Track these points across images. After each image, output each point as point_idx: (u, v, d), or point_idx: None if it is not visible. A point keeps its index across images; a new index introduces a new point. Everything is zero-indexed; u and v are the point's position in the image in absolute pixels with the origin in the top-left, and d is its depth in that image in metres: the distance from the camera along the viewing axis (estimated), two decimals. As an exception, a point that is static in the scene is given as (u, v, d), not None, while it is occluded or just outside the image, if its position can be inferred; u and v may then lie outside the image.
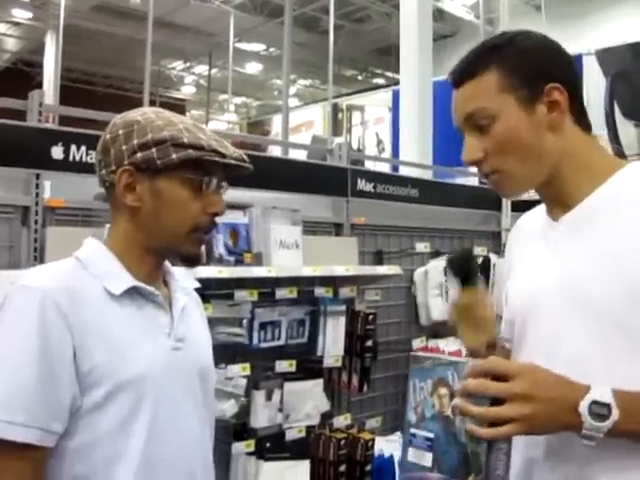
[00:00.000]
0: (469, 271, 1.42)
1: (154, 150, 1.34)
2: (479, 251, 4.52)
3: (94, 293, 1.33)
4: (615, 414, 1.12)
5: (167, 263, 1.50)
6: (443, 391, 1.21)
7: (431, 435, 1.25)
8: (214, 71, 15.71)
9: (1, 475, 1.23)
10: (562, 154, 1.31)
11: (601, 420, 1.12)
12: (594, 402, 1.13)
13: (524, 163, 1.31)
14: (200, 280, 1.64)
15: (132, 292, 1.37)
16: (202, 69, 16.29)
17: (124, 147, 1.36)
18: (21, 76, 13.84)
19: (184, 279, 1.54)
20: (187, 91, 18.08)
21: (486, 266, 4.36)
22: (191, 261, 1.45)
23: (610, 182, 1.30)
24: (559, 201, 1.36)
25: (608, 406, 1.12)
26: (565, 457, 1.25)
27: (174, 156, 1.34)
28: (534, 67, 1.29)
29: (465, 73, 1.32)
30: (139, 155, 1.35)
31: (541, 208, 1.46)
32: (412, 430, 1.29)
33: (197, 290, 1.62)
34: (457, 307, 1.41)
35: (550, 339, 1.31)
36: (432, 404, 1.24)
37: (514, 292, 1.43)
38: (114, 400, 1.29)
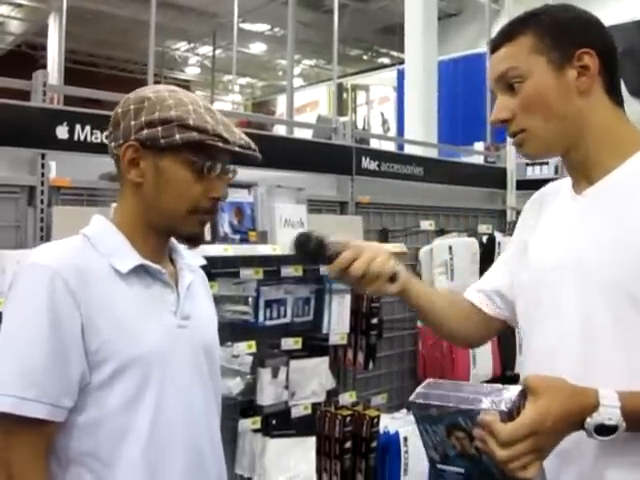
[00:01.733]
0: (311, 251, 1.41)
1: (160, 129, 1.35)
2: (484, 229, 4.53)
3: (101, 271, 1.34)
4: (622, 429, 1.13)
5: (173, 240, 1.51)
6: (460, 434, 1.20)
7: (462, 470, 1.24)
8: (218, 52, 15.63)
9: (15, 450, 1.25)
10: (587, 120, 1.33)
11: (607, 435, 1.14)
12: (601, 425, 1.14)
13: (548, 123, 1.32)
14: (206, 258, 1.65)
15: (139, 270, 1.38)
16: (206, 50, 16.20)
17: (133, 122, 1.37)
18: (25, 59, 13.80)
19: (190, 256, 1.55)
20: (191, 72, 18.01)
21: (491, 244, 4.36)
22: (192, 240, 1.46)
23: (635, 158, 1.31)
24: (583, 174, 1.37)
25: (615, 427, 1.13)
26: (578, 453, 1.25)
27: (177, 137, 1.34)
28: (568, 31, 1.33)
29: (502, 37, 1.37)
30: (145, 132, 1.36)
31: (564, 182, 1.47)
32: (439, 466, 1.28)
33: (203, 268, 1.63)
34: (335, 277, 1.43)
35: (565, 309, 1.32)
36: (452, 445, 1.23)
37: (531, 263, 1.43)
38: (121, 377, 1.31)
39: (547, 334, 1.34)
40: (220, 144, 1.36)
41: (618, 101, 1.36)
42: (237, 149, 1.39)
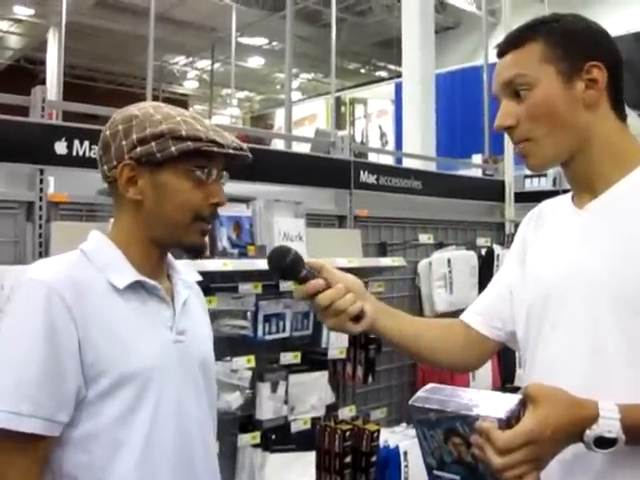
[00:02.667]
0: (285, 268, 1.38)
1: (153, 144, 1.35)
2: (483, 242, 4.53)
3: (98, 286, 1.35)
4: (621, 441, 1.12)
5: (170, 256, 1.52)
6: (457, 440, 1.18)
7: (457, 478, 1.22)
8: (216, 66, 15.69)
9: (8, 466, 1.25)
10: (592, 133, 1.32)
11: (606, 448, 1.13)
12: (600, 437, 1.12)
13: (553, 133, 1.32)
14: (205, 273, 1.66)
15: (135, 286, 1.38)
16: (205, 64, 16.27)
17: (124, 142, 1.38)
18: (24, 73, 13.85)
19: (186, 272, 1.56)
20: (190, 86, 18.07)
21: (490, 257, 4.37)
22: (195, 251, 1.47)
23: (639, 170, 1.32)
24: (586, 186, 1.36)
25: (614, 440, 1.12)
26: (585, 462, 1.24)
27: (173, 149, 1.35)
28: (578, 43, 1.32)
29: (511, 43, 1.36)
30: (139, 150, 1.36)
31: (563, 197, 1.47)
32: (435, 472, 1.27)
33: (201, 283, 1.63)
34: (304, 298, 1.40)
35: (570, 323, 1.31)
36: (449, 451, 1.22)
37: (534, 278, 1.42)
38: (117, 392, 1.31)
39: (552, 348, 1.33)
40: (215, 149, 1.37)
41: (622, 115, 1.37)
42: (232, 151, 1.40)
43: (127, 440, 1.31)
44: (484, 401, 1.15)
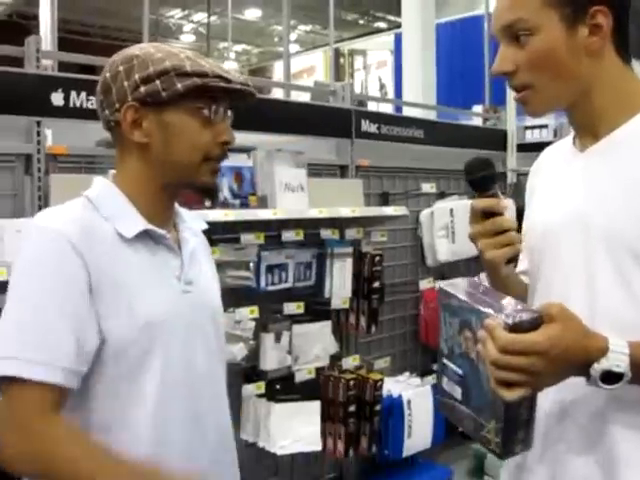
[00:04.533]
0: (487, 176, 1.34)
1: (158, 82, 1.31)
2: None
3: (106, 235, 1.31)
4: (627, 378, 1.11)
5: (176, 205, 1.48)
6: (468, 334, 1.18)
7: (460, 371, 1.23)
8: (213, 18, 15.45)
9: (21, 406, 1.21)
10: (596, 80, 1.29)
11: (610, 384, 1.11)
12: (607, 371, 1.11)
13: (555, 82, 1.28)
14: (207, 223, 1.62)
15: (143, 235, 1.35)
16: (201, 17, 16.01)
17: (126, 83, 1.33)
18: (17, 29, 13.64)
19: (192, 220, 1.53)
20: (186, 40, 17.82)
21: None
22: (208, 192, 1.45)
23: None
24: (588, 130, 1.33)
25: (622, 374, 1.11)
26: (583, 404, 1.25)
27: (179, 85, 1.30)
28: None
29: None
30: (143, 89, 1.31)
31: (565, 141, 1.44)
32: (444, 360, 1.27)
33: (204, 233, 1.60)
34: (475, 215, 1.34)
35: (568, 267, 1.30)
36: (460, 342, 1.22)
37: (534, 221, 1.42)
38: (127, 345, 1.28)
39: (551, 293, 1.32)
40: (223, 84, 1.33)
41: (627, 58, 1.32)
42: (239, 86, 1.36)
43: (141, 393, 1.30)
44: (508, 306, 1.14)
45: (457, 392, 1.23)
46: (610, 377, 1.11)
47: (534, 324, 1.10)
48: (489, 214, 1.32)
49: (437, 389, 1.31)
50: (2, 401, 1.23)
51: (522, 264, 1.56)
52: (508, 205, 1.35)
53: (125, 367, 1.29)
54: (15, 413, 1.21)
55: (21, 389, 1.20)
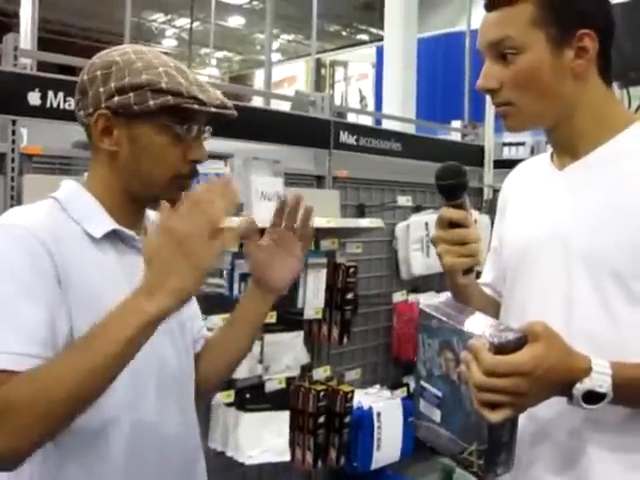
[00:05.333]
0: (456, 184, 1.35)
1: (131, 95, 1.29)
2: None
3: (74, 235, 1.29)
4: (609, 398, 1.12)
5: (148, 209, 1.47)
6: (449, 355, 1.17)
7: (439, 394, 1.22)
8: (196, 24, 15.42)
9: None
10: (578, 102, 1.30)
11: (592, 404, 1.12)
12: (589, 391, 1.11)
13: (538, 102, 1.29)
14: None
15: (112, 236, 1.34)
16: (183, 22, 15.99)
17: (101, 89, 1.31)
18: (-3, 26, 13.53)
19: None
20: (168, 44, 17.79)
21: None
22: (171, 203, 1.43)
23: (622, 136, 1.30)
24: (568, 149, 1.35)
25: (604, 394, 1.12)
26: (558, 422, 1.25)
27: (151, 102, 1.29)
28: (571, 8, 1.27)
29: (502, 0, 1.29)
30: (116, 99, 1.30)
31: (542, 157, 1.45)
32: (422, 383, 1.26)
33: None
34: (441, 222, 1.34)
35: (546, 284, 1.31)
36: (439, 364, 1.21)
37: (511, 237, 1.42)
38: None
39: (527, 310, 1.33)
40: (196, 106, 1.31)
41: (609, 82, 1.34)
42: (213, 109, 1.34)
43: (108, 393, 1.28)
44: (489, 326, 1.14)
45: (436, 415, 1.22)
46: (592, 397, 1.11)
47: (518, 344, 1.10)
48: (455, 224, 1.33)
49: (414, 413, 1.30)
50: None
51: (487, 276, 1.57)
52: (475, 216, 1.36)
53: None
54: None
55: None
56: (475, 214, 4.43)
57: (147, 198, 1.39)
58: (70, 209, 1.32)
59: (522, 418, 1.18)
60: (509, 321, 1.34)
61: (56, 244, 1.24)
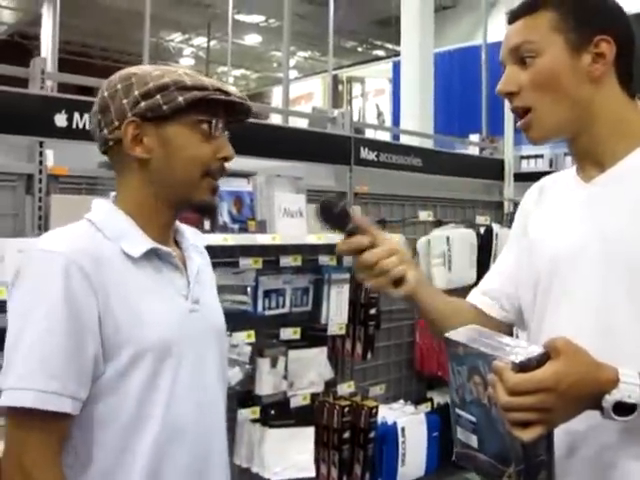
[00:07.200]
0: (331, 218, 1.36)
1: (158, 97, 1.32)
2: (482, 220, 4.52)
3: (112, 255, 1.31)
4: None
5: (177, 222, 1.49)
6: (477, 379, 1.18)
7: (474, 419, 1.22)
8: (213, 43, 15.55)
9: (31, 447, 1.21)
10: (597, 108, 1.31)
11: (624, 415, 1.11)
12: (619, 402, 1.11)
13: (555, 105, 1.31)
14: (205, 248, 1.62)
15: (150, 254, 1.35)
16: (201, 41, 16.12)
17: (125, 101, 1.34)
18: (18, 49, 13.70)
19: (193, 236, 1.53)
20: (186, 63, 17.93)
21: (489, 236, 4.36)
22: (206, 210, 1.46)
23: None
24: (591, 159, 1.35)
25: (634, 405, 1.11)
26: (592, 436, 1.24)
27: (180, 99, 1.32)
28: (590, 14, 1.31)
29: (524, 8, 1.35)
30: (143, 104, 1.33)
31: (566, 172, 1.46)
32: (457, 410, 1.26)
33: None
34: (344, 253, 1.38)
35: (580, 298, 1.30)
36: (470, 390, 1.21)
37: (539, 252, 1.41)
38: (136, 366, 1.28)
39: (560, 316, 1.32)
40: (223, 97, 1.36)
41: (631, 90, 1.35)
42: (238, 99, 1.39)
43: (149, 413, 1.29)
44: (513, 347, 1.14)
45: (473, 441, 1.22)
46: (623, 408, 1.11)
47: (541, 361, 1.10)
48: (359, 250, 1.35)
49: (453, 441, 1.29)
50: (13, 432, 1.23)
51: (489, 283, 1.57)
52: (373, 231, 1.38)
53: (134, 388, 1.28)
54: (22, 453, 1.22)
55: (30, 420, 1.21)
56: (496, 227, 4.41)
57: (181, 201, 1.40)
58: (105, 229, 1.34)
59: (557, 432, 1.18)
60: (542, 334, 1.35)
61: (95, 266, 1.26)
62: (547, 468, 1.14)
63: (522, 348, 1.13)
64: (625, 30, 1.33)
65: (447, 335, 1.22)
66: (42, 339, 1.22)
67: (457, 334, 1.23)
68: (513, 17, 1.36)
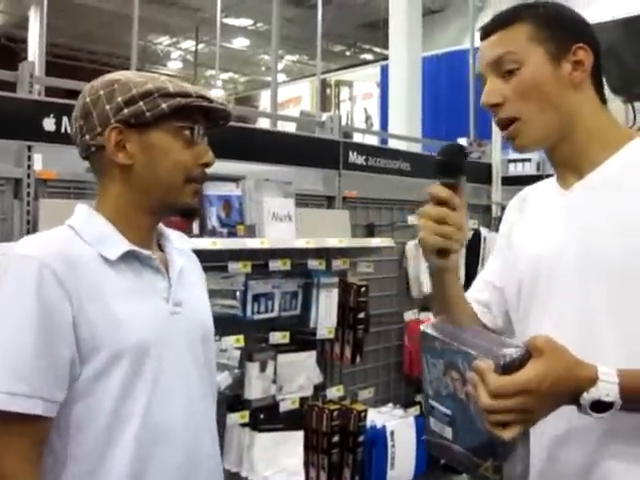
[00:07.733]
0: (450, 162, 1.33)
1: (141, 103, 1.33)
2: (469, 224, 4.54)
3: (89, 259, 1.32)
4: (617, 406, 1.13)
5: (161, 225, 1.49)
6: (455, 375, 1.19)
7: (449, 412, 1.23)
8: (201, 46, 15.55)
9: (5, 451, 1.22)
10: (578, 114, 1.34)
11: (601, 412, 1.13)
12: (597, 401, 1.12)
13: (541, 113, 1.33)
14: (194, 252, 1.62)
15: (128, 257, 1.36)
16: (189, 44, 16.11)
17: (108, 107, 1.34)
18: (5, 51, 13.65)
19: (178, 240, 1.53)
20: (174, 66, 17.90)
21: (477, 239, 4.38)
22: (189, 213, 1.46)
23: (623, 151, 1.33)
24: (571, 167, 1.37)
25: (612, 403, 1.13)
26: (581, 435, 1.26)
27: (164, 105, 1.33)
28: (566, 25, 1.35)
29: (498, 23, 1.37)
30: (126, 111, 1.33)
31: (547, 181, 1.48)
32: (431, 402, 1.27)
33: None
34: (430, 198, 1.33)
35: (562, 299, 1.32)
36: (446, 384, 1.22)
37: (522, 256, 1.43)
38: (113, 368, 1.29)
39: (543, 321, 1.34)
40: (206, 104, 1.37)
41: (603, 98, 1.39)
42: (220, 106, 1.40)
43: (127, 415, 1.30)
44: (492, 344, 1.15)
45: (447, 432, 1.23)
46: (600, 406, 1.13)
47: (523, 360, 1.11)
48: (443, 203, 1.32)
49: (425, 431, 1.31)
50: None
51: (480, 293, 1.58)
52: (464, 203, 1.35)
53: (112, 391, 1.29)
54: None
55: (4, 425, 1.22)
56: (484, 231, 4.44)
57: (164, 207, 1.41)
58: (84, 233, 1.35)
59: (542, 436, 1.19)
60: (526, 336, 1.36)
61: (69, 270, 1.27)
62: (523, 461, 1.17)
63: (503, 346, 1.14)
64: (594, 39, 1.37)
65: (423, 328, 1.23)
66: (12, 342, 1.23)
67: (434, 328, 1.24)
68: (486, 33, 1.38)
